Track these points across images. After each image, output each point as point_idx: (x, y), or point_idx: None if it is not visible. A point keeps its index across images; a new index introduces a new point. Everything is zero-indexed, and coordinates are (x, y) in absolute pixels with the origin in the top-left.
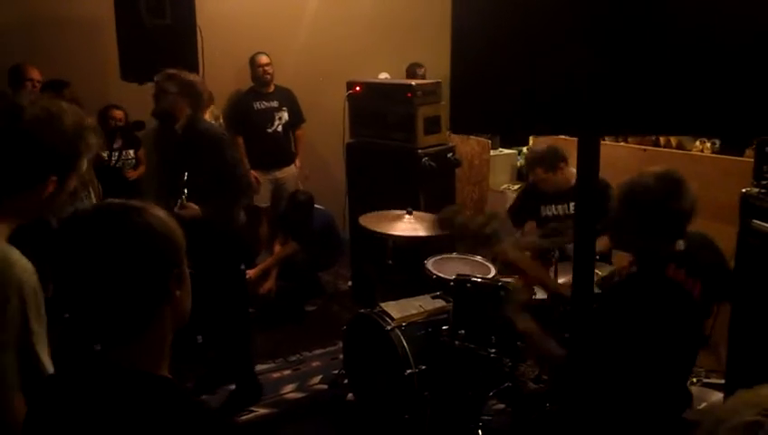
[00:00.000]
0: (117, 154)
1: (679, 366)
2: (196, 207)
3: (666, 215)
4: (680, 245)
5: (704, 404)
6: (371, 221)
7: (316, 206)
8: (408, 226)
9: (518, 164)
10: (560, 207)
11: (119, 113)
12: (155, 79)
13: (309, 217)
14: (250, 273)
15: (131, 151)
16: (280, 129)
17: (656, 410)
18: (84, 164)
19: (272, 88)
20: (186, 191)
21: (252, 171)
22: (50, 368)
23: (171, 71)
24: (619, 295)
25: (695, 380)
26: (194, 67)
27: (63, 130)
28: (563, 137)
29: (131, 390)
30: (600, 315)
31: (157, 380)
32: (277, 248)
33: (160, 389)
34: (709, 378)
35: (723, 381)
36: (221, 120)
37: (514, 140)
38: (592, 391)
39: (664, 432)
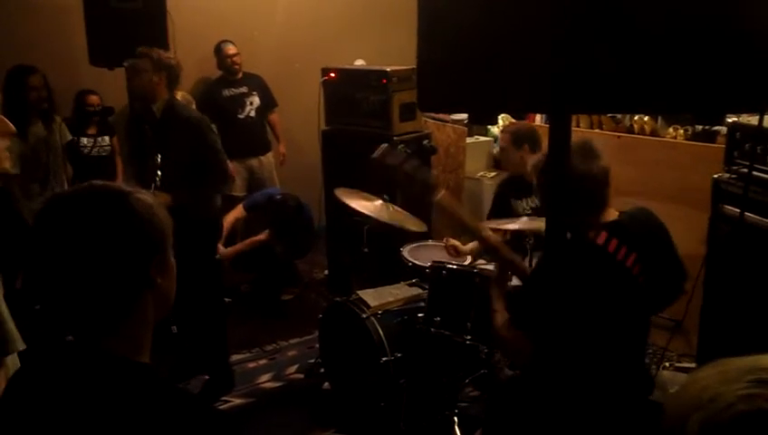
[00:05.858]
0: (92, 141)
1: (622, 340)
2: (167, 195)
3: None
4: (613, 215)
5: (676, 388)
6: (347, 194)
7: None
8: (384, 211)
9: (494, 151)
10: (530, 199)
11: (95, 99)
12: (127, 63)
13: (297, 219)
14: (225, 252)
15: (106, 138)
16: (252, 114)
17: (608, 381)
18: None
19: (240, 75)
20: (158, 177)
21: (228, 161)
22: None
23: (143, 48)
24: (544, 267)
25: (667, 364)
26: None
27: None
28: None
29: (111, 376)
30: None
31: (137, 366)
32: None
33: (140, 375)
34: (681, 362)
35: (694, 365)
36: (194, 106)
37: (483, 119)
38: (552, 368)
39: (626, 413)
